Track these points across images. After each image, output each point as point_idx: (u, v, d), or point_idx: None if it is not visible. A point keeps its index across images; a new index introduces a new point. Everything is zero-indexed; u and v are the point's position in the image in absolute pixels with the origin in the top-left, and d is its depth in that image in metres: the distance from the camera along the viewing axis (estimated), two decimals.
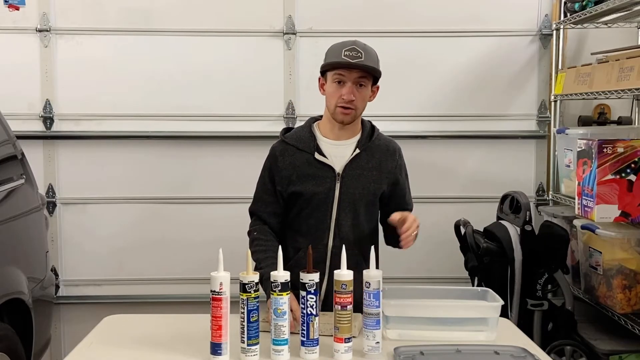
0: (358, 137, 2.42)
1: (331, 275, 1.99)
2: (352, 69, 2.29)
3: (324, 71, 2.38)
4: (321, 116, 2.46)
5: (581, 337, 3.17)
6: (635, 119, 3.77)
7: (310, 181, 2.37)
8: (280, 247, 2.01)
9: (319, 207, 2.37)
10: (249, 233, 2.45)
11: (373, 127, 2.47)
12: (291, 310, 2.01)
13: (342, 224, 2.38)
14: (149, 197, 3.78)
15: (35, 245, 3.01)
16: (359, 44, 2.32)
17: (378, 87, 2.41)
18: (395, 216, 2.29)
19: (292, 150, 2.40)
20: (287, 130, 2.51)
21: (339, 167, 2.37)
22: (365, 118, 2.49)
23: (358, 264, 2.27)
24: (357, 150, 2.39)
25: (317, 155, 2.37)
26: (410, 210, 2.53)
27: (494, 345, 1.98)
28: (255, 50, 3.73)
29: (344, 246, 2.00)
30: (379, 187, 2.42)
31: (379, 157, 2.42)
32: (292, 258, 2.37)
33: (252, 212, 2.48)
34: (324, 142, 2.41)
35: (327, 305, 2.22)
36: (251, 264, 1.92)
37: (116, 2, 3.70)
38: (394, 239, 2.39)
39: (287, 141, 2.43)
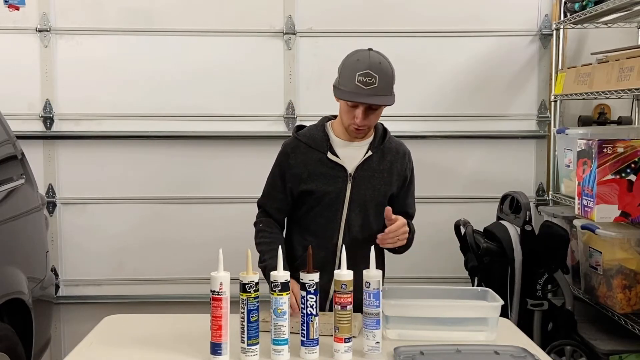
0: (370, 139, 2.43)
1: None
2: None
3: None
4: (335, 116, 2.47)
5: (581, 337, 3.17)
6: (635, 119, 3.76)
7: (322, 180, 2.38)
8: (281, 245, 2.01)
9: (330, 206, 2.39)
10: (255, 224, 2.48)
11: (385, 130, 2.48)
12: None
13: (352, 224, 2.39)
14: (149, 197, 3.78)
15: (35, 245, 3.01)
16: (374, 65, 2.26)
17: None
18: (389, 213, 2.30)
19: (305, 148, 2.41)
20: (299, 127, 2.52)
21: (350, 167, 2.38)
22: None
23: (367, 264, 2.28)
24: (370, 152, 2.40)
25: (329, 155, 2.38)
26: (412, 213, 2.54)
27: (494, 345, 1.98)
28: (255, 50, 3.73)
29: (344, 246, 2.01)
30: (389, 188, 2.43)
31: (390, 159, 2.44)
32: (300, 256, 2.39)
33: (260, 206, 2.51)
34: (336, 142, 2.41)
35: None
36: (251, 264, 1.92)
37: (116, 2, 3.70)
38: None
39: (300, 139, 2.43)
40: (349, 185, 2.38)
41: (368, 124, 2.33)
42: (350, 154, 2.40)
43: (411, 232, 2.40)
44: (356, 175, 2.38)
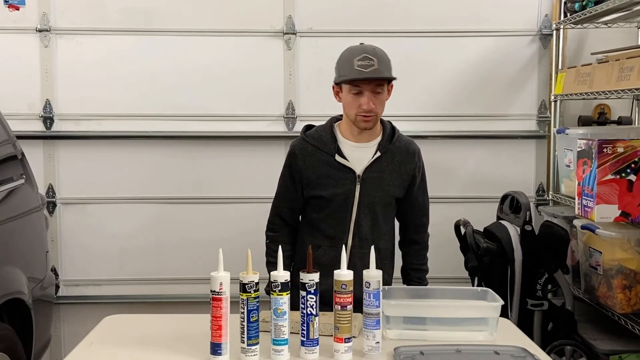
0: (379, 139, 2.43)
1: None
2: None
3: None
4: (342, 116, 2.47)
5: (581, 337, 3.17)
6: (635, 119, 3.76)
7: (331, 182, 2.39)
8: (281, 251, 2.01)
9: (339, 208, 2.40)
10: (266, 238, 2.53)
11: (394, 129, 2.48)
12: None
13: (361, 225, 2.40)
14: (149, 197, 3.78)
15: (35, 245, 3.01)
16: (369, 49, 2.31)
17: (392, 85, 2.42)
18: None
19: (312, 150, 2.42)
20: (308, 127, 2.52)
21: (359, 169, 2.39)
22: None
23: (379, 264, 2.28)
24: (378, 153, 2.40)
25: (337, 157, 2.38)
26: (427, 222, 2.59)
27: (494, 345, 1.98)
28: (255, 50, 3.73)
29: (344, 247, 2.00)
30: (398, 189, 2.45)
31: (399, 159, 2.44)
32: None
33: (273, 208, 2.54)
34: (344, 144, 2.42)
35: None
36: (251, 264, 1.91)
37: (116, 2, 3.70)
38: None
39: (308, 140, 2.44)
40: (358, 187, 2.38)
41: (374, 110, 2.32)
42: (359, 155, 2.40)
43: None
44: (365, 177, 2.38)
